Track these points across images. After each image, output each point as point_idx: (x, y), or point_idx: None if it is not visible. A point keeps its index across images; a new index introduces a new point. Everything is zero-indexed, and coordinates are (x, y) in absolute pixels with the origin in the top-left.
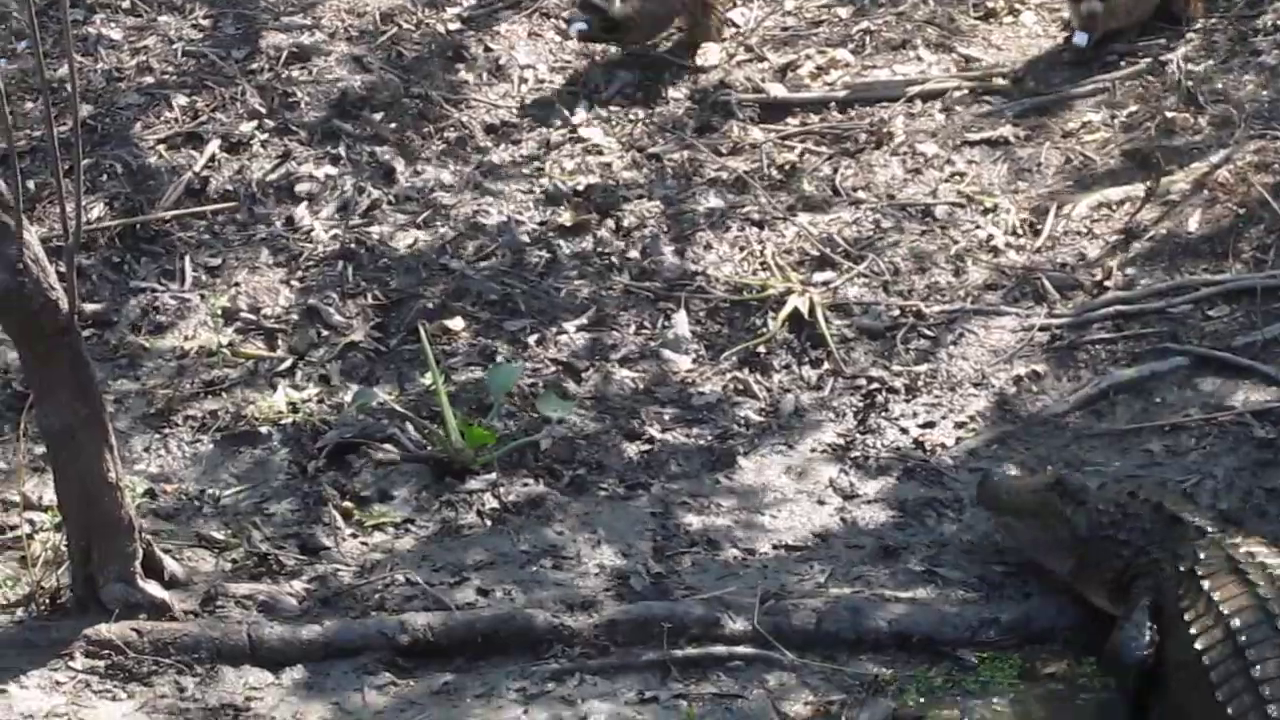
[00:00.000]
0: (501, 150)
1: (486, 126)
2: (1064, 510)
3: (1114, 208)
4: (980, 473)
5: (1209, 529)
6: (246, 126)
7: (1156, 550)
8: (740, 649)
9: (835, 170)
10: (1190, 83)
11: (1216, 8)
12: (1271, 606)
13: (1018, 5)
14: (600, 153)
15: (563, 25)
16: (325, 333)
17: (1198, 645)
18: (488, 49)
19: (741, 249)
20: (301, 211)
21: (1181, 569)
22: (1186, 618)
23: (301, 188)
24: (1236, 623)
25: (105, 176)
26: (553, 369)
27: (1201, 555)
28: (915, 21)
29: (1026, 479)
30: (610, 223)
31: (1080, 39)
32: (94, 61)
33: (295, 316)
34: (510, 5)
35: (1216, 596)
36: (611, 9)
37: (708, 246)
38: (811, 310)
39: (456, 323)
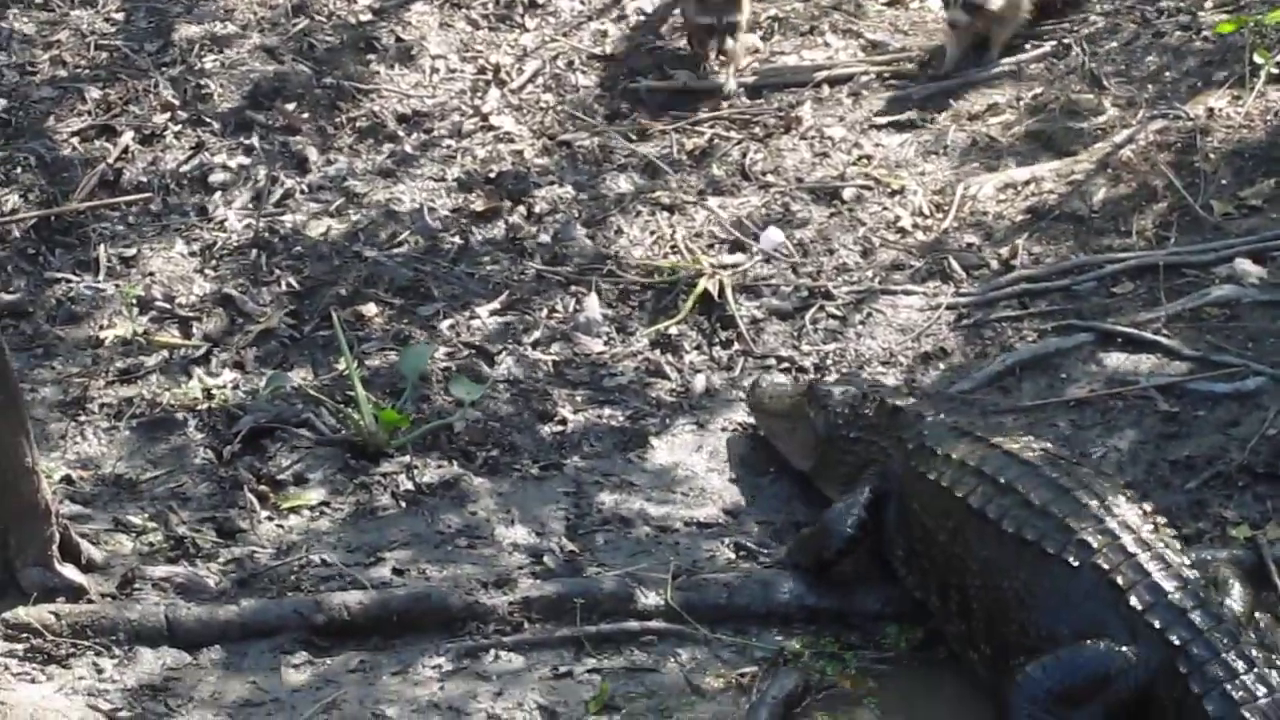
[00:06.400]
0: (413, 139)
1: (398, 115)
2: (809, 413)
3: (1020, 188)
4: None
5: (926, 414)
6: (160, 118)
7: (882, 439)
8: (653, 624)
9: (744, 155)
10: (1094, 64)
11: None
12: (1001, 445)
13: None
14: (512, 140)
15: (473, 15)
16: (239, 320)
17: (949, 488)
18: (399, 39)
19: (652, 233)
20: (215, 201)
21: (910, 446)
22: (930, 477)
23: (215, 178)
24: (981, 464)
25: (20, 169)
26: (466, 352)
27: (926, 432)
28: (822, 7)
29: (787, 385)
30: (522, 209)
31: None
32: (7, 56)
33: (209, 304)
34: None
35: (953, 455)
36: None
37: (619, 231)
38: (721, 292)
39: (370, 308)
